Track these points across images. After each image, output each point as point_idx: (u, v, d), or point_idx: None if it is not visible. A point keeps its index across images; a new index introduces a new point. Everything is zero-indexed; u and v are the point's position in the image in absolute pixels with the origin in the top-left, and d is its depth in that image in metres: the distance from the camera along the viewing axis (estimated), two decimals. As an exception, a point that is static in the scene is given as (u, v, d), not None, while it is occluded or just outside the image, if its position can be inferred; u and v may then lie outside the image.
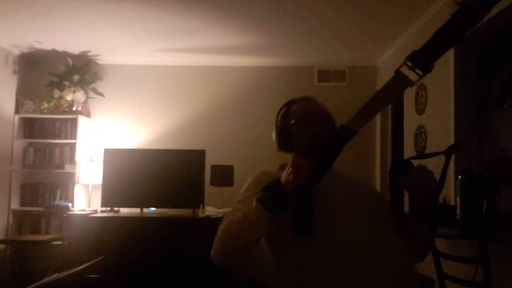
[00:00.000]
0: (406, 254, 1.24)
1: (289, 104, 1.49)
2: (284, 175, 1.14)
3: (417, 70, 0.97)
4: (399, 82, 1.00)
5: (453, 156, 2.79)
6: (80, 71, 4.72)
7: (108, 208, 4.38)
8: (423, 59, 0.97)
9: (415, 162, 1.18)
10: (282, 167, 1.34)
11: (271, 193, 1.16)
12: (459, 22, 0.93)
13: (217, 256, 1.25)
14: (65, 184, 4.68)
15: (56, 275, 1.65)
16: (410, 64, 0.97)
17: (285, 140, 1.44)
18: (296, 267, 1.22)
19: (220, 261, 1.25)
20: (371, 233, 1.20)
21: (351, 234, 1.19)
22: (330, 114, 1.42)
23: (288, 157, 1.45)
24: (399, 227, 1.24)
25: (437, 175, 1.16)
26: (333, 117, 1.41)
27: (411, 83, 0.99)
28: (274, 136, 1.50)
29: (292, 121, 1.42)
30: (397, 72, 0.98)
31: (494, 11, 2.30)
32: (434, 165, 1.22)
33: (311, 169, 1.10)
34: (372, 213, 1.26)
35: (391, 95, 1.05)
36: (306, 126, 1.38)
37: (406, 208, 1.26)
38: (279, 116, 1.49)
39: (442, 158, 1.16)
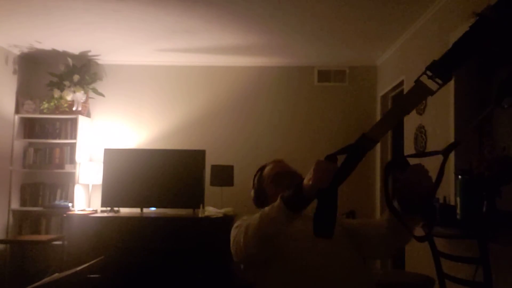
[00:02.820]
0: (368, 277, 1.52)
1: (262, 168, 1.81)
2: (306, 178, 1.19)
3: (437, 80, 0.98)
4: (419, 91, 1.01)
5: (453, 156, 2.80)
6: (80, 71, 4.72)
7: (108, 208, 4.38)
8: (442, 68, 0.98)
9: (413, 161, 1.19)
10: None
11: (293, 192, 1.23)
12: (477, 33, 0.94)
13: (244, 247, 1.41)
14: (65, 184, 4.69)
15: (56, 275, 1.65)
16: (429, 73, 0.98)
17: (261, 199, 1.73)
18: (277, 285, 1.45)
19: (246, 251, 1.40)
20: (342, 268, 1.45)
21: (324, 268, 1.43)
22: (297, 173, 1.71)
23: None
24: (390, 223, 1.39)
25: (435, 173, 1.16)
26: (299, 173, 1.68)
27: (431, 92, 1.00)
28: (252, 195, 1.79)
29: (265, 182, 1.73)
30: (417, 81, 1.00)
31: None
32: (433, 163, 1.21)
33: (332, 174, 1.12)
34: (339, 242, 1.48)
35: (411, 104, 1.07)
36: (277, 184, 1.68)
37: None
38: (255, 179, 1.80)
39: (440, 156, 1.16)
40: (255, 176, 1.82)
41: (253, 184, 1.81)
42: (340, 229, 1.55)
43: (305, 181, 1.19)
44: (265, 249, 1.40)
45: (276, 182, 1.69)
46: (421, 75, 0.99)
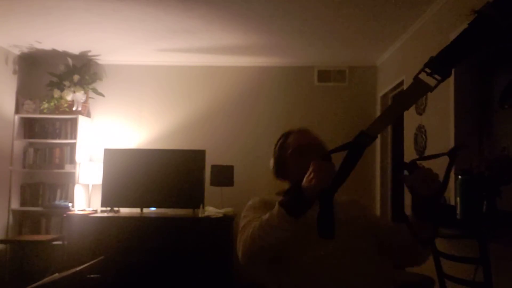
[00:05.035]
0: (388, 279, 1.39)
1: (286, 135, 1.64)
2: (305, 180, 1.16)
3: (436, 76, 0.97)
4: (418, 88, 1.01)
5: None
6: (80, 71, 4.72)
7: (108, 208, 4.38)
8: (441, 64, 0.97)
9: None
10: (279, 194, 1.49)
11: (292, 197, 1.19)
12: (476, 30, 0.94)
13: (244, 259, 1.31)
14: (65, 184, 4.69)
15: (56, 275, 1.65)
16: (428, 70, 0.98)
17: (281, 169, 1.58)
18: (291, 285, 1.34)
19: (248, 262, 1.31)
20: (356, 259, 1.34)
21: (338, 258, 1.33)
22: (323, 145, 1.57)
23: (282, 185, 1.60)
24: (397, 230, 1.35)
25: (439, 176, 1.16)
26: (326, 147, 1.55)
27: (429, 89, 0.99)
28: (271, 164, 1.63)
29: (289, 152, 1.56)
30: (416, 78, 0.99)
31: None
32: (437, 166, 1.21)
33: (333, 173, 1.11)
34: (361, 237, 1.40)
35: (409, 101, 1.06)
36: (300, 157, 1.51)
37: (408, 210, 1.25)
38: (277, 146, 1.64)
39: (443, 159, 1.16)
40: (277, 143, 1.65)
41: (274, 152, 1.64)
42: (364, 220, 1.47)
43: (305, 183, 1.16)
44: (265, 261, 1.34)
45: (299, 155, 1.53)
46: (419, 72, 0.99)
